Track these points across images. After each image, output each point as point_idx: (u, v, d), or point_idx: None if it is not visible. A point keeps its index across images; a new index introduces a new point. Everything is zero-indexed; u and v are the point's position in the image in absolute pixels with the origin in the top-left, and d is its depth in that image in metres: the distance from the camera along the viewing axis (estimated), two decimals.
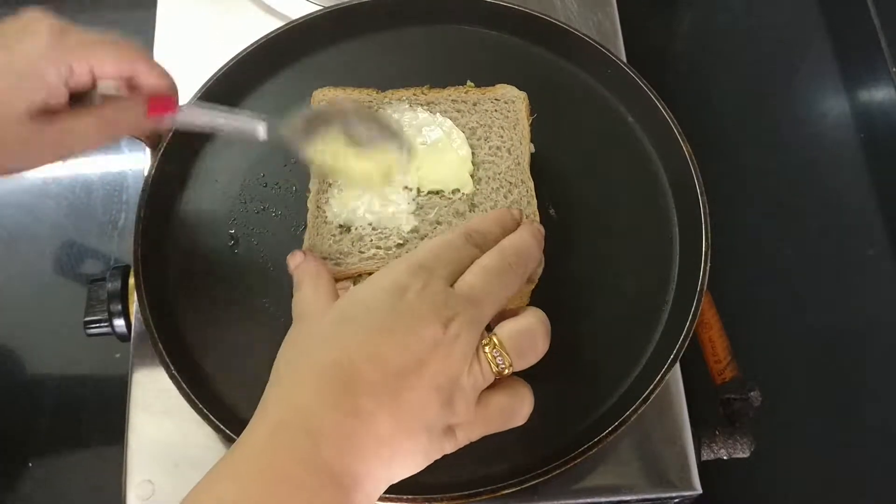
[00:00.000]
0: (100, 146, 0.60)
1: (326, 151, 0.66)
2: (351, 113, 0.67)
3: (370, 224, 0.70)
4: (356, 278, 0.68)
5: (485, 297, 0.54)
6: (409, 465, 0.52)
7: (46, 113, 0.56)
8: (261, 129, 0.66)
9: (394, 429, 0.49)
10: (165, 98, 0.61)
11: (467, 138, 0.74)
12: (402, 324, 0.51)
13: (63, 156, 0.60)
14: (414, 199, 0.71)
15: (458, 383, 0.51)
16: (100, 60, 0.58)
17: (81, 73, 0.57)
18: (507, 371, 0.54)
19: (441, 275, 0.54)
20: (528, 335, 0.56)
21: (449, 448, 0.53)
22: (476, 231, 0.58)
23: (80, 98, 0.59)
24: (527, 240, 0.59)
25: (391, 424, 0.49)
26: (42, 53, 0.55)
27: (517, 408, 0.56)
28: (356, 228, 0.70)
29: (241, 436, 0.50)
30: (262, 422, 0.50)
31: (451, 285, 0.54)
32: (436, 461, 0.54)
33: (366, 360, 0.50)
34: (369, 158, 0.67)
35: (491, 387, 0.54)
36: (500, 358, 0.53)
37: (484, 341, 0.54)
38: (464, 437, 0.54)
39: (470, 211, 0.71)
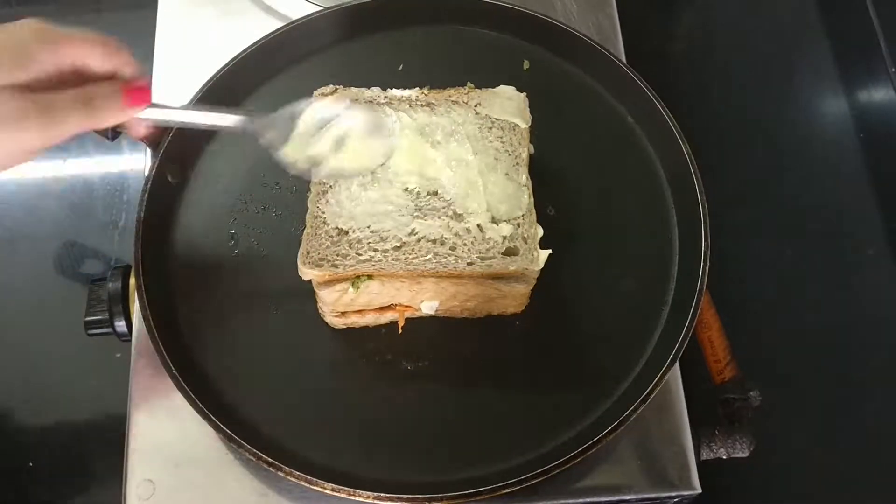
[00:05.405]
0: (80, 129, 0.59)
1: (303, 149, 0.68)
2: (335, 107, 0.69)
3: (368, 226, 0.70)
4: (353, 280, 0.68)
5: None
6: None
7: (32, 88, 0.57)
8: (238, 124, 0.67)
9: None
10: (142, 89, 0.63)
11: (467, 138, 0.74)
12: None
13: (47, 135, 0.58)
14: (413, 202, 0.71)
15: None
16: (88, 49, 0.60)
17: (68, 58, 0.59)
18: None
19: None
20: None
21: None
22: None
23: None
24: None
25: None
26: (32, 36, 0.58)
27: None
28: (354, 231, 0.70)
29: None
30: None
31: None
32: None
33: None
34: (351, 150, 0.69)
35: None
36: None
37: None
38: None
39: (468, 212, 0.71)
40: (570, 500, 0.71)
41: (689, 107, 0.88)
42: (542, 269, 0.69)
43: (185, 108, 0.67)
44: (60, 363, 0.94)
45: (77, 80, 0.60)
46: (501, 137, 0.75)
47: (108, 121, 0.60)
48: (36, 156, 0.59)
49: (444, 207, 0.71)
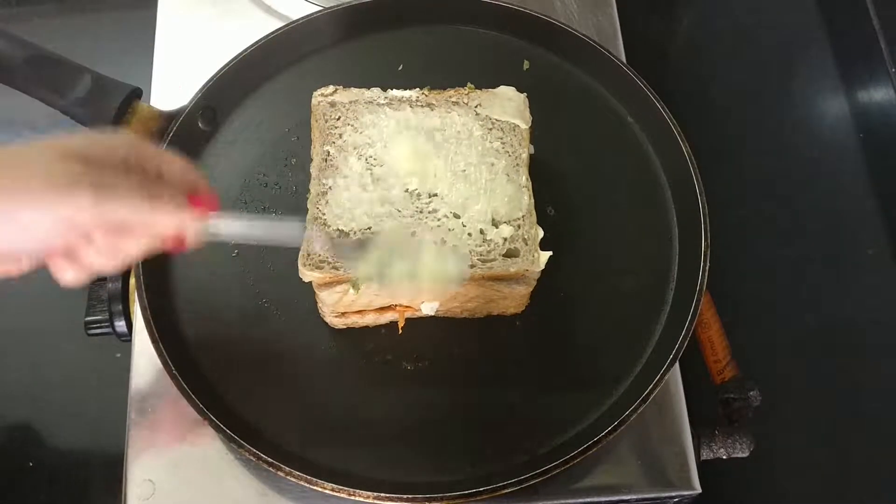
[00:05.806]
0: (134, 215, 0.55)
1: (375, 272, 0.66)
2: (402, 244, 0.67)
3: (369, 228, 0.70)
4: (354, 281, 0.68)
5: None
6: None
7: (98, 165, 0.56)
8: (302, 239, 0.66)
9: None
10: (209, 200, 0.61)
11: (465, 139, 0.74)
12: None
13: (99, 210, 0.54)
14: (413, 203, 0.71)
15: None
16: (168, 159, 0.60)
17: (147, 157, 0.59)
18: None
19: None
20: None
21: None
22: None
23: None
24: None
25: None
26: (119, 136, 0.60)
27: None
28: (355, 232, 0.70)
29: None
30: None
31: None
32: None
33: None
34: (420, 276, 0.66)
35: None
36: None
37: None
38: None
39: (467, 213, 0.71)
40: (570, 500, 0.71)
41: (689, 107, 0.88)
42: (542, 270, 0.69)
43: (248, 220, 0.65)
44: (60, 363, 0.94)
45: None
46: (502, 138, 0.75)
47: (166, 218, 0.57)
48: (80, 243, 0.56)
49: (444, 209, 0.71)
